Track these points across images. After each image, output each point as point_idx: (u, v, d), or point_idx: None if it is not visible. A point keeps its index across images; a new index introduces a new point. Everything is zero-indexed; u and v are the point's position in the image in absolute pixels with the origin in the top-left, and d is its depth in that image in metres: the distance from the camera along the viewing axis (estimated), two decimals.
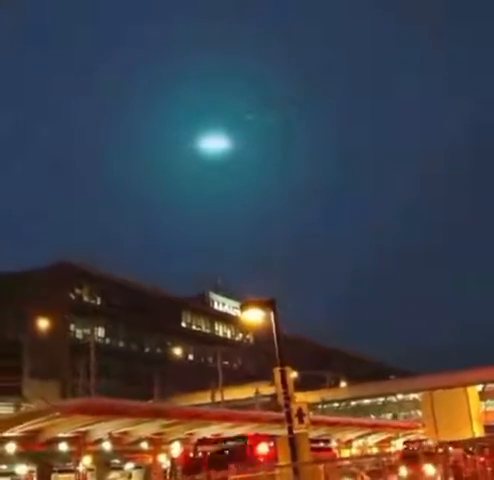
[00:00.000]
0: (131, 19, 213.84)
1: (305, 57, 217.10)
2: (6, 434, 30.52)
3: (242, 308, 19.18)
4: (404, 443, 51.78)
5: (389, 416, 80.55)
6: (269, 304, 18.30)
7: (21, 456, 32.27)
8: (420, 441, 41.60)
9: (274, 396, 18.95)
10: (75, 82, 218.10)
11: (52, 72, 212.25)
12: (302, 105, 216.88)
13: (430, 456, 24.55)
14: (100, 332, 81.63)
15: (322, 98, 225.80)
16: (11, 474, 33.44)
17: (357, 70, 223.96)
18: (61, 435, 33.55)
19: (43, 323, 56.86)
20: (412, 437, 57.28)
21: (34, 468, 34.05)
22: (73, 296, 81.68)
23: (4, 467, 32.63)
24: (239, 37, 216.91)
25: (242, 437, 31.43)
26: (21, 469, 33.40)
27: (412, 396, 76.67)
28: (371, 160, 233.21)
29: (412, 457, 27.47)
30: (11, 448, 30.91)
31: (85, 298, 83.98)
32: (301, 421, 17.29)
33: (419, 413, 57.00)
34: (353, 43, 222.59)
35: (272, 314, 18.22)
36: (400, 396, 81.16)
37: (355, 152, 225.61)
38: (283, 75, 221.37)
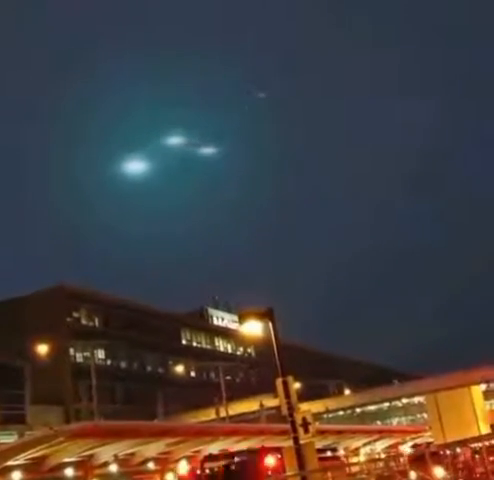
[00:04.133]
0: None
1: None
2: (10, 462, 30.19)
3: (240, 319, 19.07)
4: (412, 447, 51.56)
5: (395, 421, 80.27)
6: (267, 314, 18.22)
7: None
8: (428, 444, 41.42)
9: (279, 408, 18.81)
10: None
11: None
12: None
13: (438, 458, 24.42)
14: (100, 354, 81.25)
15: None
16: None
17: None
18: (67, 460, 33.25)
19: (43, 348, 56.57)
20: (419, 441, 57.06)
21: None
22: (71, 319, 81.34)
23: None
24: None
25: (249, 451, 31.23)
26: None
27: (417, 399, 76.41)
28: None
29: (420, 460, 27.30)
30: (17, 476, 30.57)
31: (83, 321, 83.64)
32: (306, 430, 17.17)
33: (425, 416, 56.78)
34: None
35: (270, 324, 18.14)
36: (405, 400, 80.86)
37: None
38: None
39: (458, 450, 25.72)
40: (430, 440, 41.09)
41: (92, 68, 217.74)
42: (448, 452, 23.80)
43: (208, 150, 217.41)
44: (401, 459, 32.17)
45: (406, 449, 56.04)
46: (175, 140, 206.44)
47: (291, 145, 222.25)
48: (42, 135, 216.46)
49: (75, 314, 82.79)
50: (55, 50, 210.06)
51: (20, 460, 30.41)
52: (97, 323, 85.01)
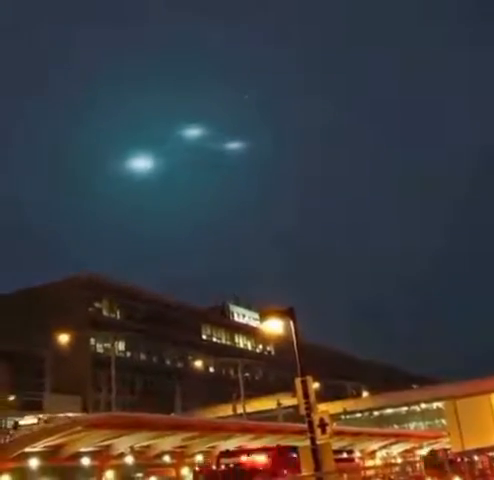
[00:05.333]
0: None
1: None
2: (28, 449, 30.49)
3: (262, 317, 19.06)
4: (429, 452, 51.19)
5: (413, 426, 79.79)
6: (288, 312, 18.17)
7: (44, 471, 32.22)
8: (445, 450, 41.10)
9: (296, 407, 18.74)
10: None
11: None
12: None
13: (455, 465, 24.23)
14: (121, 346, 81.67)
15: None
16: None
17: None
18: (83, 450, 33.50)
19: (64, 338, 56.90)
20: (437, 447, 56.63)
21: None
22: (93, 310, 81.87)
23: None
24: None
25: (265, 449, 31.18)
26: None
27: (435, 405, 75.84)
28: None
29: (437, 466, 27.13)
30: (34, 463, 30.87)
31: (105, 312, 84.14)
32: (324, 431, 17.08)
33: (443, 422, 56.34)
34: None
35: (291, 323, 18.09)
36: (423, 405, 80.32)
37: None
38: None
39: (475, 458, 25.50)
40: (447, 446, 40.79)
41: (104, 62, 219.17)
42: (466, 460, 23.59)
43: (233, 145, 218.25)
44: (417, 465, 31.96)
45: (422, 454, 55.70)
46: (200, 136, 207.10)
47: (317, 138, 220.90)
48: (67, 129, 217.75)
49: (97, 305, 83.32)
50: (68, 40, 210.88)
51: (38, 447, 30.72)
52: (118, 315, 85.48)
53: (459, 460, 24.94)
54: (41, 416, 41.52)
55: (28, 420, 38.65)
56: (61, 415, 38.19)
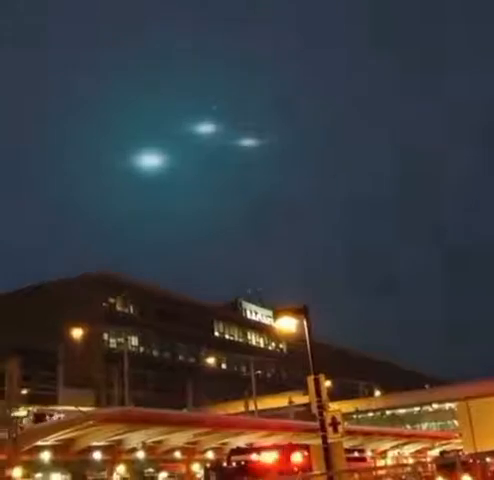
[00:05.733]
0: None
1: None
2: (40, 443, 30.69)
3: (275, 315, 19.04)
4: (440, 453, 51.00)
5: (425, 426, 79.53)
6: (302, 311, 18.13)
7: (55, 465, 32.41)
8: (456, 451, 40.91)
9: (308, 405, 18.71)
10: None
11: None
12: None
13: (467, 466, 24.09)
14: (134, 341, 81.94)
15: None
16: None
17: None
18: (95, 444, 33.67)
19: (77, 332, 57.14)
20: (448, 447, 56.42)
21: (68, 477, 34.18)
22: (106, 305, 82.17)
23: (39, 475, 32.78)
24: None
25: (276, 446, 31.16)
26: (56, 477, 33.55)
27: (448, 405, 75.53)
28: None
29: (448, 468, 26.98)
30: (46, 457, 31.06)
31: (118, 307, 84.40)
32: (335, 430, 17.03)
33: (455, 423, 56.11)
34: None
35: (305, 321, 18.05)
36: (436, 405, 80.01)
37: None
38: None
39: (488, 460, 25.33)
40: (459, 447, 40.62)
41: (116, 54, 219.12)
42: (478, 461, 23.43)
43: (248, 140, 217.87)
44: (429, 465, 31.80)
45: (434, 455, 55.51)
46: (214, 131, 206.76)
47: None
48: (84, 125, 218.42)
49: (111, 300, 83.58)
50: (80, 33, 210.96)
51: (50, 441, 30.92)
52: (132, 310, 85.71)
53: (471, 461, 24.78)
54: (30, 409, 41.83)
55: (16, 413, 38.86)
56: (70, 408, 38.43)
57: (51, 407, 40.37)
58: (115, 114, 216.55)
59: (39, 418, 41.62)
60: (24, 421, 43.11)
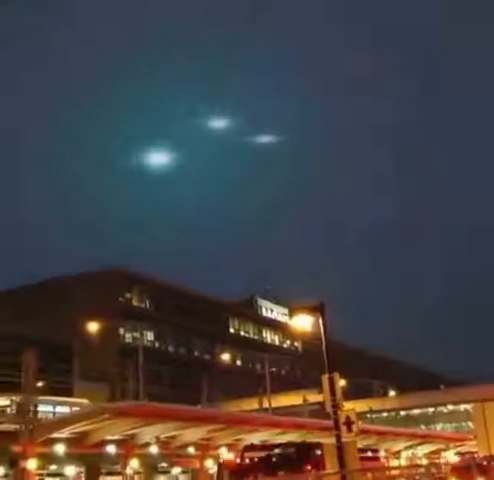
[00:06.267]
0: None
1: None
2: (55, 435, 30.88)
3: (291, 312, 18.98)
4: (456, 455, 50.77)
5: (439, 427, 79.12)
6: (318, 308, 18.06)
7: (70, 457, 32.60)
8: (471, 453, 40.70)
9: (322, 403, 18.67)
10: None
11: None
12: None
13: (482, 469, 23.94)
14: (149, 336, 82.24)
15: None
16: (60, 475, 33.80)
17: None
18: (109, 437, 33.82)
19: (93, 326, 57.41)
20: (463, 449, 56.14)
21: (82, 469, 34.37)
22: (123, 300, 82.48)
23: (53, 467, 33.00)
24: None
25: (289, 444, 31.18)
26: (70, 470, 33.76)
27: (463, 407, 75.11)
28: None
29: (462, 470, 26.82)
30: (60, 449, 31.24)
31: (134, 302, 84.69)
32: (349, 429, 16.98)
33: (470, 425, 55.80)
34: None
35: (321, 319, 17.98)
36: (451, 407, 79.58)
37: None
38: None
39: None
40: (474, 449, 40.40)
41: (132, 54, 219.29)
42: (492, 463, 23.28)
43: (265, 137, 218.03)
44: (443, 467, 31.64)
45: (448, 456, 55.24)
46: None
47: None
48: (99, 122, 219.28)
49: (127, 295, 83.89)
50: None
51: (65, 433, 31.09)
52: (148, 305, 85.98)
53: (486, 463, 24.63)
54: (14, 398, 41.88)
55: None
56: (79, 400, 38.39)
57: (41, 397, 40.14)
58: (135, 112, 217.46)
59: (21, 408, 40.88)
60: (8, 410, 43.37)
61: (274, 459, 28.08)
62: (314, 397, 60.58)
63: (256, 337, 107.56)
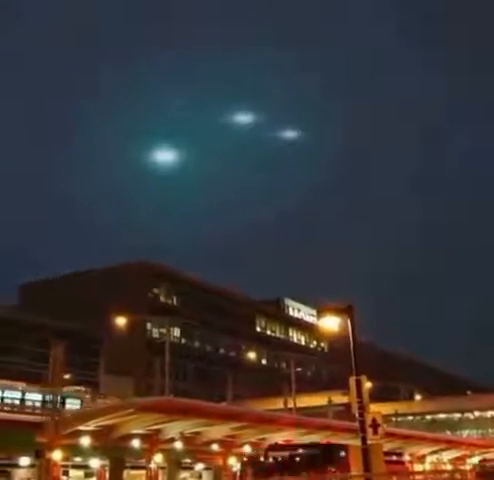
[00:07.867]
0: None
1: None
2: (82, 427, 31.13)
3: (319, 313, 18.93)
4: (480, 462, 50.25)
5: (465, 433, 78.38)
6: (346, 310, 18.00)
7: (95, 450, 32.83)
8: None
9: (347, 405, 18.58)
10: None
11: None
12: None
13: None
14: (176, 332, 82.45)
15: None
16: (85, 467, 34.06)
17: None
18: (134, 432, 34.00)
19: (121, 321, 57.72)
20: (488, 456, 55.57)
21: (107, 462, 34.59)
22: (151, 295, 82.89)
23: (78, 460, 33.25)
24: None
25: (314, 445, 31.08)
26: (94, 462, 33.99)
27: (490, 413, 74.36)
28: None
29: (488, 477, 26.57)
30: (85, 441, 31.48)
31: (162, 298, 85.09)
32: (375, 432, 16.88)
33: None
34: None
35: (349, 321, 17.91)
36: (477, 413, 78.77)
37: None
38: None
39: None
40: None
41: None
42: None
43: (292, 135, 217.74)
44: (468, 473, 31.35)
45: (473, 463, 54.71)
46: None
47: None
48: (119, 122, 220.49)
49: (155, 291, 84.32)
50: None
51: (91, 426, 31.33)
52: (175, 302, 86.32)
53: None
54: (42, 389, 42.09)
55: None
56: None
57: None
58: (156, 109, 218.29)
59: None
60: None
61: (298, 459, 28.02)
62: (339, 398, 60.31)
63: (282, 336, 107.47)
